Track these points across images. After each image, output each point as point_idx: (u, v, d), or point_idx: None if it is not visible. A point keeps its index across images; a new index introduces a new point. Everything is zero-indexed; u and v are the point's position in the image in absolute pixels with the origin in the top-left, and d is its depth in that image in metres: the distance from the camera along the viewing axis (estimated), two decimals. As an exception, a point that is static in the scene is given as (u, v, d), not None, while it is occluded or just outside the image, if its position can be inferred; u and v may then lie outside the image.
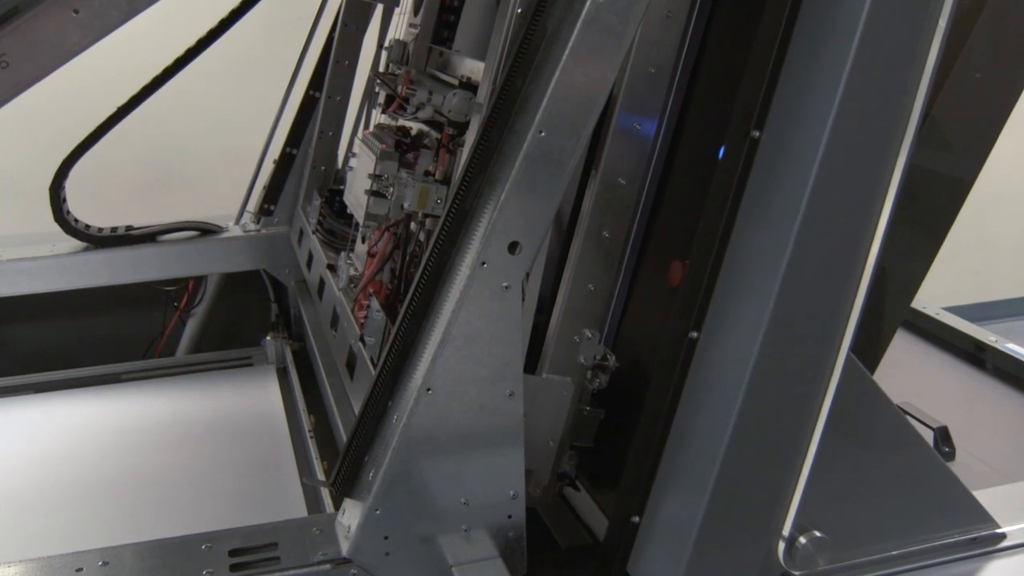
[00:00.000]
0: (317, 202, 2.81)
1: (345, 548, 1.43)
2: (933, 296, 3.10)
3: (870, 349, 2.06)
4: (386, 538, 1.42)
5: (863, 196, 1.39)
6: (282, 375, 2.91)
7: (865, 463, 1.64)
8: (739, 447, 1.42)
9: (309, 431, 2.41)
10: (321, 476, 2.18)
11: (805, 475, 1.47)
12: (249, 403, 2.74)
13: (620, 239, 1.72)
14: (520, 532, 1.51)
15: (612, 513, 1.58)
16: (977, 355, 3.11)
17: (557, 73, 1.33)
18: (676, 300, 1.50)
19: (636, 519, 1.53)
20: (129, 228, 2.90)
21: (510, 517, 1.50)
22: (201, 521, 1.97)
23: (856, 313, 1.42)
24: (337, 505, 1.55)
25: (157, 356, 3.16)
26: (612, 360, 1.70)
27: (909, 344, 3.24)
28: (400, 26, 2.56)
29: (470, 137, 1.79)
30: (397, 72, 2.28)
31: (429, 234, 1.95)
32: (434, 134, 2.06)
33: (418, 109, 1.96)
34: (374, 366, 1.84)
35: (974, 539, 1.74)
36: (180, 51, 2.68)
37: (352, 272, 2.27)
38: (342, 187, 2.90)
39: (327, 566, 1.43)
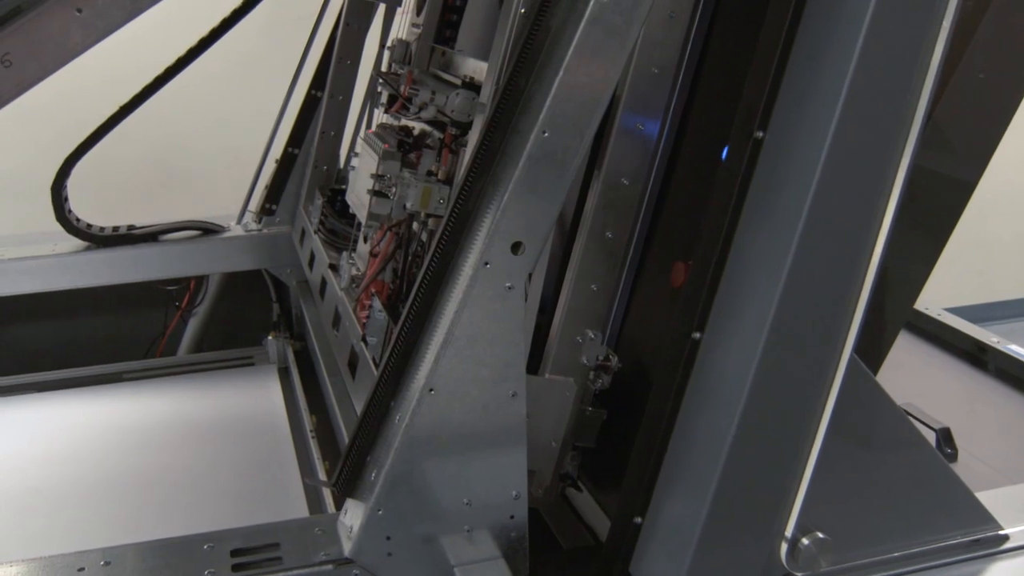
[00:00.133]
0: (319, 202, 2.81)
1: (347, 548, 1.43)
2: (935, 297, 3.10)
3: (873, 350, 2.06)
4: (388, 538, 1.42)
5: (866, 197, 1.39)
6: (284, 375, 2.91)
7: (868, 464, 1.64)
8: (742, 448, 1.42)
9: (311, 431, 2.41)
10: (323, 476, 2.18)
11: (808, 476, 1.47)
12: (250, 403, 2.73)
13: (623, 239, 1.72)
14: (522, 532, 1.51)
15: (614, 514, 1.58)
16: (979, 356, 3.11)
17: (560, 73, 1.33)
18: (679, 301, 1.50)
19: (638, 520, 1.53)
20: (131, 227, 2.90)
21: (512, 517, 1.49)
22: (202, 521, 1.97)
23: (859, 314, 1.42)
24: (339, 505, 1.55)
25: (158, 356, 3.16)
26: (615, 361, 1.70)
27: (911, 345, 3.24)
28: (402, 26, 2.56)
29: (473, 137, 1.79)
30: (400, 72, 2.28)
31: (431, 234, 1.95)
32: (436, 134, 2.06)
33: (421, 109, 1.96)
34: (376, 366, 1.84)
35: (976, 540, 1.74)
36: (182, 51, 2.68)
37: (354, 272, 2.27)
38: (344, 187, 2.90)
39: (329, 566, 1.43)
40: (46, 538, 2.05)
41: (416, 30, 2.27)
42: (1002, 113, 1.97)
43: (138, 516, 2.14)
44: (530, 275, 1.43)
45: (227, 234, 3.06)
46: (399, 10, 2.66)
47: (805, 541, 1.50)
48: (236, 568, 1.41)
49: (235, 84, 4.11)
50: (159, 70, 2.67)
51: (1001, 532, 1.76)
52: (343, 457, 1.46)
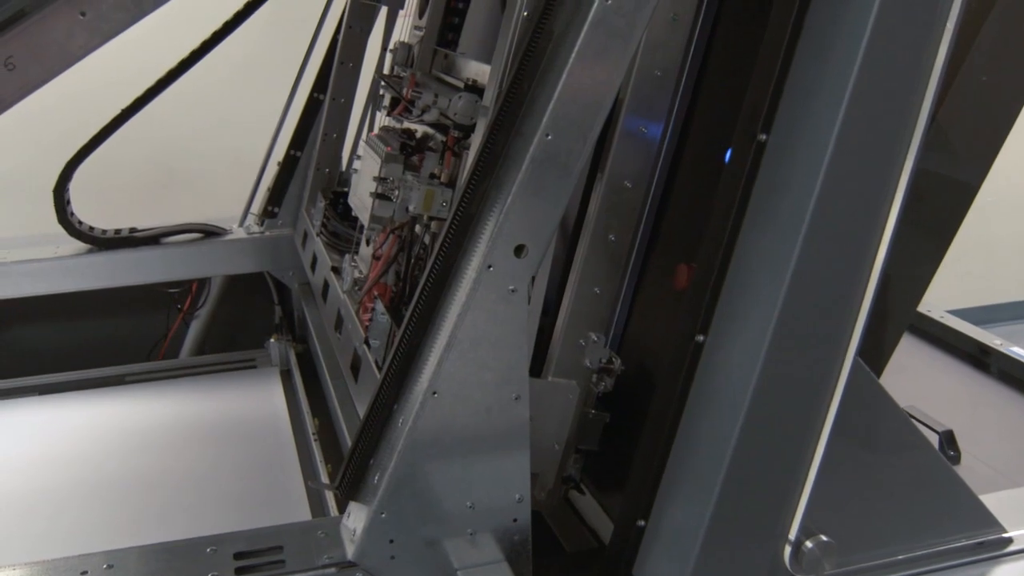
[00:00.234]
0: (321, 204, 2.81)
1: (350, 552, 1.43)
2: (937, 299, 3.10)
3: (876, 353, 2.06)
4: (391, 542, 1.42)
5: (870, 200, 1.39)
6: (286, 378, 2.91)
7: (871, 467, 1.63)
8: (745, 451, 1.42)
9: (313, 434, 2.41)
10: (325, 479, 2.18)
11: (811, 479, 1.47)
12: (253, 406, 2.74)
13: (626, 242, 1.72)
14: (526, 536, 1.50)
15: (617, 517, 1.58)
16: (981, 358, 3.11)
17: (564, 76, 1.33)
18: (682, 303, 1.50)
19: (642, 523, 1.53)
20: (133, 230, 2.90)
21: (515, 521, 1.49)
22: (204, 524, 1.97)
23: (863, 316, 1.42)
24: (342, 508, 1.55)
25: (160, 358, 3.16)
26: (618, 363, 1.69)
27: (913, 347, 3.24)
28: (404, 28, 2.56)
29: (476, 140, 1.79)
30: (402, 74, 2.28)
31: (434, 237, 1.95)
32: (439, 137, 2.06)
33: (423, 112, 1.96)
34: (379, 369, 1.84)
35: (980, 543, 1.73)
36: (184, 54, 2.69)
37: (356, 275, 2.27)
38: (346, 189, 2.90)
39: (332, 570, 1.43)
40: (49, 541, 2.05)
41: (418, 33, 2.27)
42: (1005, 115, 1.97)
43: (140, 519, 2.14)
44: (533, 278, 1.43)
45: (229, 236, 3.06)
46: (401, 13, 2.66)
47: (809, 544, 1.50)
48: (239, 571, 1.41)
49: (237, 87, 4.11)
50: (161, 73, 2.67)
51: (1005, 535, 1.75)
52: (346, 460, 1.46)
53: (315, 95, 3.08)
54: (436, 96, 1.94)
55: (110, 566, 1.39)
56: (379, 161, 2.00)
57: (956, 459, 2.44)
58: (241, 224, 3.15)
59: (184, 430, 2.56)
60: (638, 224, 1.73)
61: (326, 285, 2.52)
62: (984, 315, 3.66)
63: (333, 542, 1.47)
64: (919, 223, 1.99)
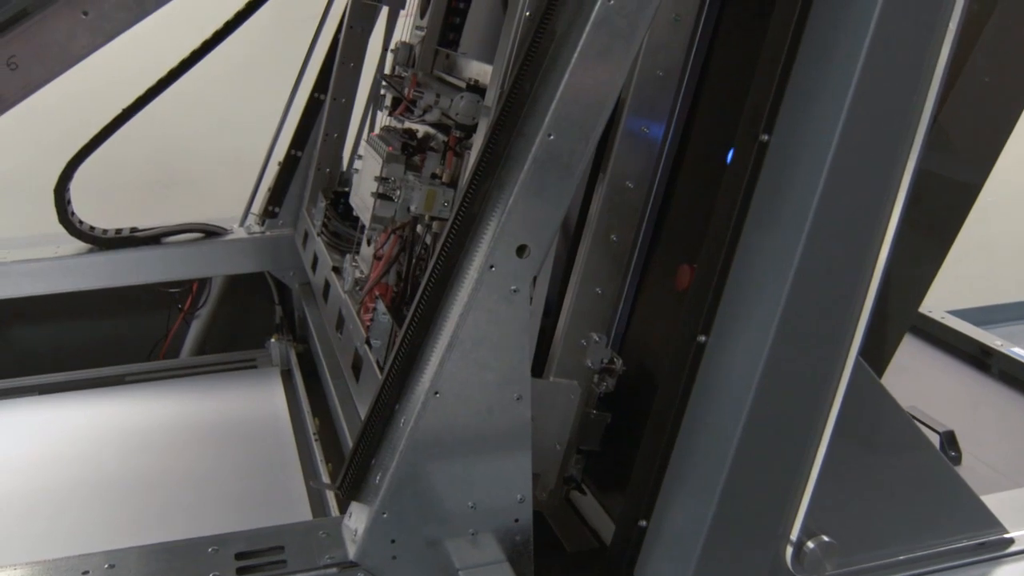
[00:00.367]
0: (322, 204, 2.81)
1: (352, 552, 1.43)
2: (938, 300, 3.10)
3: (878, 353, 2.06)
4: (393, 542, 1.42)
5: (872, 200, 1.39)
6: (286, 378, 2.91)
7: (873, 467, 1.63)
8: (747, 451, 1.42)
9: (314, 434, 2.41)
10: (326, 479, 2.18)
11: (813, 479, 1.47)
12: (253, 406, 2.73)
13: (628, 243, 1.72)
14: (527, 536, 1.50)
15: (619, 517, 1.58)
16: (982, 359, 3.11)
17: (566, 76, 1.33)
18: (684, 304, 1.50)
19: (643, 523, 1.53)
20: (133, 230, 2.90)
21: (517, 521, 1.49)
22: (205, 524, 1.97)
23: (865, 317, 1.42)
24: (343, 508, 1.55)
25: (161, 358, 3.16)
26: (619, 364, 1.69)
27: (914, 348, 3.23)
28: (405, 28, 2.56)
29: (478, 140, 1.79)
30: (404, 74, 2.28)
31: (435, 237, 1.95)
32: (441, 137, 2.06)
33: (425, 112, 1.96)
34: (380, 369, 1.84)
35: (982, 544, 1.73)
36: (185, 53, 2.69)
37: (357, 275, 2.27)
38: (347, 189, 2.90)
39: (334, 570, 1.43)
40: (49, 541, 2.04)
41: (420, 33, 2.27)
42: (1007, 116, 1.97)
43: (141, 519, 2.13)
44: (535, 278, 1.43)
45: (230, 236, 3.06)
46: (402, 13, 2.66)
47: (810, 545, 1.50)
48: (240, 571, 1.41)
49: (238, 87, 4.11)
50: (162, 72, 2.67)
51: (1006, 535, 1.75)
52: (347, 460, 1.46)
53: (316, 95, 3.08)
54: (438, 96, 1.94)
55: (111, 566, 1.39)
56: (381, 161, 2.00)
57: (957, 460, 2.44)
58: (242, 224, 3.15)
59: (185, 430, 2.56)
60: (640, 224, 1.73)
61: (327, 285, 2.52)
62: (985, 316, 3.65)
63: (334, 542, 1.47)
64: (921, 224, 1.99)
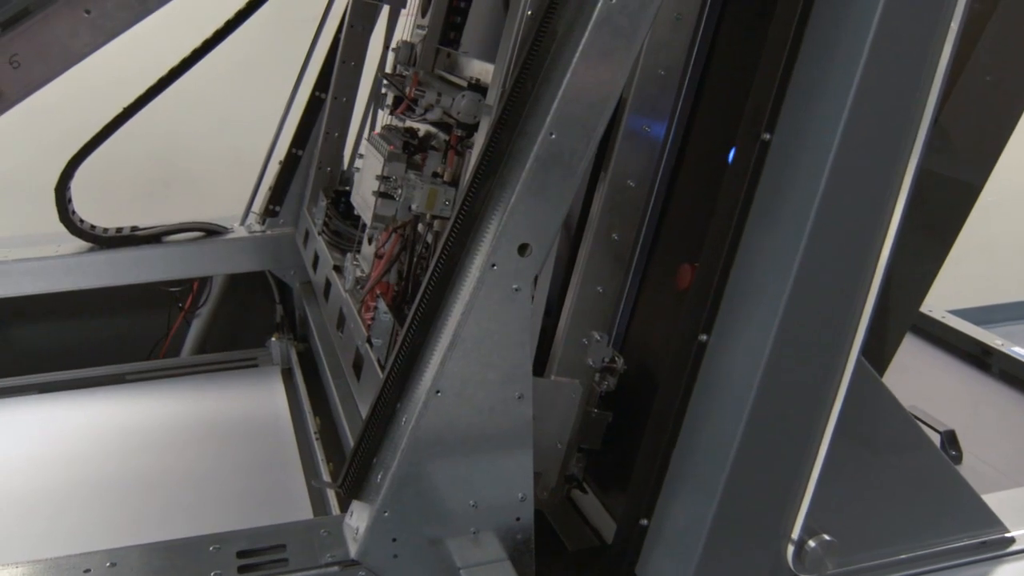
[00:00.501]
0: (323, 203, 2.81)
1: (353, 550, 1.43)
2: (939, 299, 3.10)
3: (879, 352, 2.06)
4: (394, 540, 1.42)
5: (874, 199, 1.39)
6: (287, 376, 2.91)
7: (874, 466, 1.63)
8: (748, 450, 1.42)
9: (315, 433, 2.41)
10: (327, 478, 2.18)
11: (814, 478, 1.47)
12: (254, 404, 2.73)
13: (629, 241, 1.72)
14: (528, 534, 1.50)
15: (621, 516, 1.58)
16: (983, 359, 3.11)
17: (568, 75, 1.33)
18: (686, 303, 1.50)
19: (645, 522, 1.53)
20: (134, 229, 2.90)
21: (518, 519, 1.49)
22: (205, 523, 1.97)
23: (866, 316, 1.42)
24: (343, 507, 1.55)
25: (162, 357, 3.16)
26: (620, 363, 1.70)
27: (915, 347, 3.24)
28: (406, 27, 2.56)
29: (479, 139, 1.79)
30: (405, 73, 2.28)
31: (437, 236, 1.95)
32: (442, 136, 2.06)
33: (427, 110, 1.96)
34: (381, 368, 1.84)
35: (983, 543, 1.74)
36: (186, 52, 2.69)
37: (358, 273, 2.27)
38: (348, 188, 2.90)
39: (335, 568, 1.43)
40: (50, 540, 2.05)
41: (421, 32, 2.27)
42: (1009, 115, 1.97)
43: (142, 518, 2.13)
44: (536, 277, 1.43)
45: (230, 235, 3.06)
46: (403, 12, 2.66)
47: (812, 543, 1.50)
48: (242, 569, 1.41)
49: (239, 86, 4.11)
50: (163, 71, 2.67)
51: (1007, 534, 1.75)
52: (349, 459, 1.46)
53: (317, 94, 3.08)
54: (439, 95, 1.94)
55: (113, 564, 1.39)
56: (382, 160, 2.00)
57: (958, 459, 2.44)
58: (242, 223, 3.15)
59: (185, 429, 2.56)
60: (641, 223, 1.73)
61: (328, 284, 2.52)
62: (985, 315, 3.66)
63: (336, 541, 1.47)
64: (922, 223, 2.00)
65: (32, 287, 2.78)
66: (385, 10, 2.92)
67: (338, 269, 2.46)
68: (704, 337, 1.46)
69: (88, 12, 1.35)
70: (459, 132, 1.91)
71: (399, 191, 1.93)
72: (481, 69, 1.96)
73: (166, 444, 2.47)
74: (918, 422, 1.75)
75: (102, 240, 2.82)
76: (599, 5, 1.31)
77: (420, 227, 2.01)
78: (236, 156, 3.55)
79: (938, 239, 2.04)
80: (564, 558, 1.75)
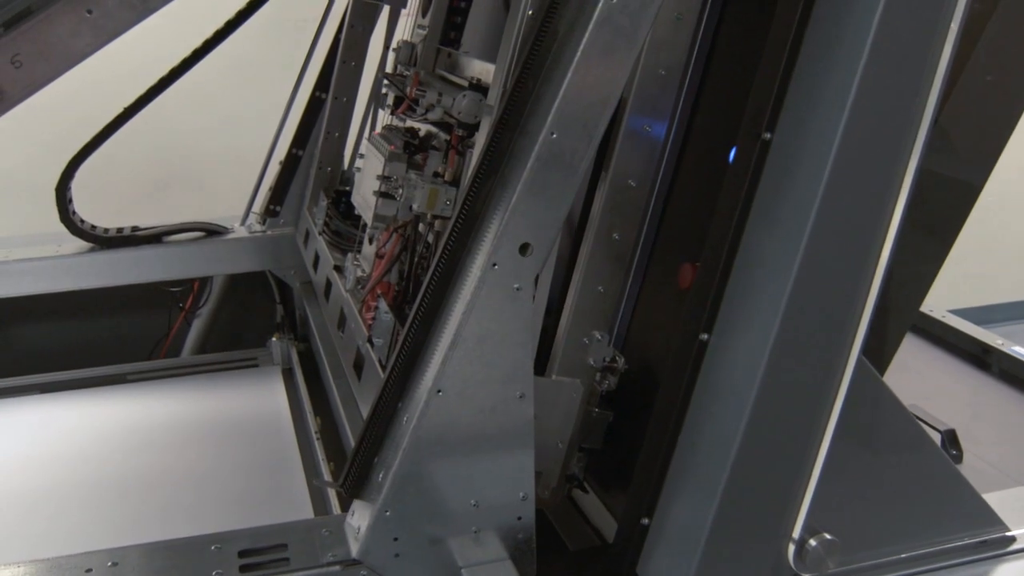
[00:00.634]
0: (323, 203, 2.81)
1: (355, 549, 1.43)
2: (939, 299, 3.10)
3: (879, 352, 2.06)
4: (396, 539, 1.42)
5: (874, 199, 1.39)
6: (287, 376, 2.91)
7: (875, 465, 1.64)
8: (749, 449, 1.42)
9: (315, 432, 2.41)
10: (328, 477, 2.18)
11: (815, 477, 1.47)
12: (255, 404, 2.73)
13: (630, 241, 1.72)
14: (530, 534, 1.51)
15: (622, 515, 1.58)
16: (983, 358, 3.11)
17: (569, 75, 1.33)
18: (686, 302, 1.50)
19: (646, 521, 1.53)
20: (135, 229, 2.90)
21: (520, 519, 1.49)
22: (206, 523, 1.97)
23: (867, 315, 1.42)
24: (344, 507, 1.55)
25: (162, 357, 3.16)
26: (621, 362, 1.70)
27: (915, 347, 3.24)
28: (407, 27, 2.56)
29: (480, 139, 1.79)
30: (406, 73, 2.28)
31: (438, 235, 1.95)
32: (443, 135, 2.06)
33: (427, 110, 1.96)
34: (382, 367, 1.84)
35: (984, 542, 1.74)
36: (187, 52, 2.69)
37: (359, 273, 2.27)
38: (348, 188, 2.90)
39: (337, 567, 1.43)
40: (51, 540, 2.05)
41: (421, 32, 2.27)
42: (1009, 115, 1.97)
43: (142, 518, 2.13)
44: (537, 276, 1.43)
45: (231, 235, 3.06)
46: (403, 12, 2.66)
47: (812, 542, 1.50)
48: (244, 569, 1.41)
49: (240, 86, 4.11)
50: (164, 71, 2.67)
51: (1008, 533, 1.76)
52: (350, 458, 1.47)
53: (317, 94, 3.08)
54: (440, 95, 1.94)
55: (115, 564, 1.39)
56: (382, 160, 2.00)
57: (958, 458, 2.44)
58: (243, 223, 3.15)
59: (186, 429, 2.56)
60: (642, 223, 1.73)
61: (328, 284, 2.52)
62: (986, 315, 3.66)
63: (337, 540, 1.47)
64: (922, 222, 2.00)
65: (33, 287, 2.78)
66: (385, 10, 2.92)
67: (339, 269, 2.46)
68: (705, 336, 1.46)
69: (90, 12, 1.36)
70: (460, 132, 1.91)
71: (400, 191, 1.93)
72: (482, 69, 1.96)
73: (167, 444, 2.47)
74: (918, 421, 1.75)
75: (103, 240, 2.82)
76: (600, 5, 1.32)
77: (421, 227, 2.01)
78: (236, 156, 3.55)
79: (938, 239, 2.04)
80: (565, 557, 1.75)
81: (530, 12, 1.55)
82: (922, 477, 1.69)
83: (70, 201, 2.73)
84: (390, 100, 2.20)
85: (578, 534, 1.80)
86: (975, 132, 1.99)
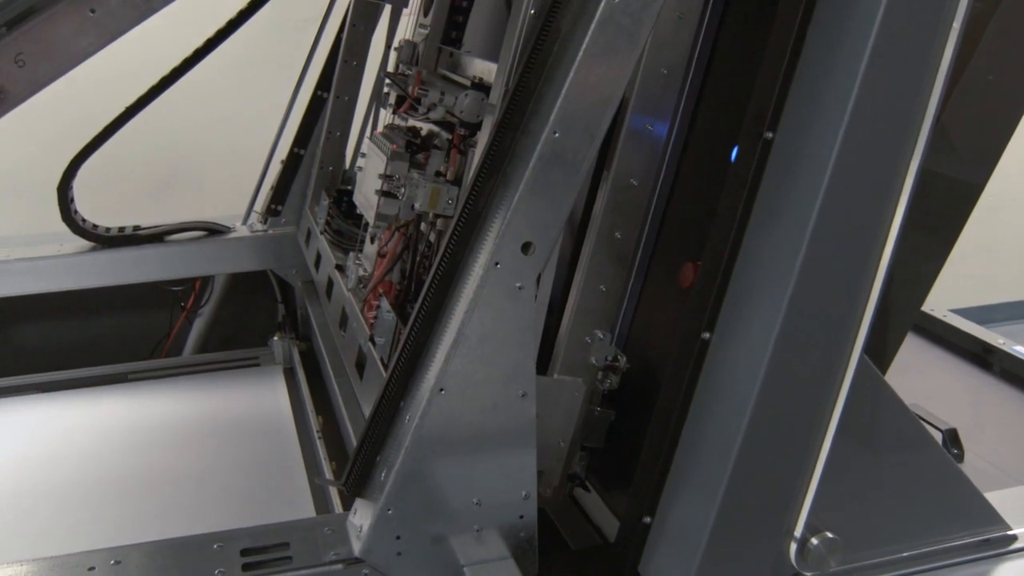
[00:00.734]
0: (325, 202, 2.81)
1: (357, 548, 1.43)
2: (940, 298, 3.10)
3: (881, 351, 2.06)
4: (398, 538, 1.42)
5: (876, 198, 1.39)
6: (289, 375, 2.91)
7: (877, 464, 1.64)
8: (751, 448, 1.42)
9: (317, 431, 2.41)
10: (329, 476, 2.18)
11: (817, 476, 1.47)
12: (256, 403, 2.73)
13: (632, 240, 1.72)
14: (532, 532, 1.51)
15: (624, 514, 1.58)
16: (984, 357, 3.11)
17: (571, 74, 1.33)
18: (688, 301, 1.50)
19: (648, 520, 1.53)
20: (136, 228, 2.91)
21: (522, 517, 1.50)
22: (207, 522, 1.97)
23: (869, 314, 1.42)
24: (346, 506, 1.55)
25: (164, 356, 3.16)
26: (623, 361, 1.70)
27: (916, 346, 3.24)
28: (409, 26, 2.56)
29: (482, 138, 1.79)
30: (407, 72, 2.29)
31: (440, 234, 1.95)
32: (444, 135, 2.06)
33: (430, 110, 1.96)
34: (384, 366, 1.84)
35: (985, 540, 1.74)
36: (188, 51, 2.69)
37: (361, 272, 2.27)
38: (350, 187, 2.91)
39: (339, 566, 1.43)
40: (52, 539, 2.05)
41: (423, 31, 2.28)
42: (1010, 115, 1.98)
43: (144, 517, 2.14)
44: (539, 275, 1.43)
45: (232, 235, 3.07)
46: (405, 11, 2.66)
47: (814, 541, 1.50)
48: (246, 567, 1.41)
49: (241, 84, 4.11)
50: (166, 70, 2.67)
51: (1010, 532, 1.76)
52: (352, 457, 1.47)
53: (319, 93, 3.09)
54: (442, 94, 1.94)
55: (117, 562, 1.39)
56: (384, 159, 2.01)
57: (959, 457, 2.44)
58: (244, 222, 3.15)
59: (187, 428, 2.56)
60: (644, 222, 1.73)
61: (330, 283, 2.52)
62: (987, 314, 3.66)
63: (340, 538, 1.47)
64: (924, 222, 2.00)
65: (34, 286, 2.78)
66: (387, 9, 2.92)
67: (341, 268, 2.47)
68: (707, 335, 1.46)
69: (93, 11, 1.36)
70: (462, 131, 1.91)
71: (402, 190, 1.93)
72: (484, 68, 1.97)
73: (168, 443, 2.47)
74: (920, 421, 1.75)
75: (104, 239, 2.83)
76: (602, 4, 1.32)
77: (423, 226, 2.02)
78: (238, 155, 3.55)
79: (940, 238, 2.04)
80: (567, 556, 1.75)
81: (532, 12, 1.55)
82: (924, 476, 1.69)
83: (72, 200, 2.73)
84: (392, 99, 2.21)
85: (580, 533, 1.81)
86: (976, 132, 1.99)
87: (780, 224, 1.40)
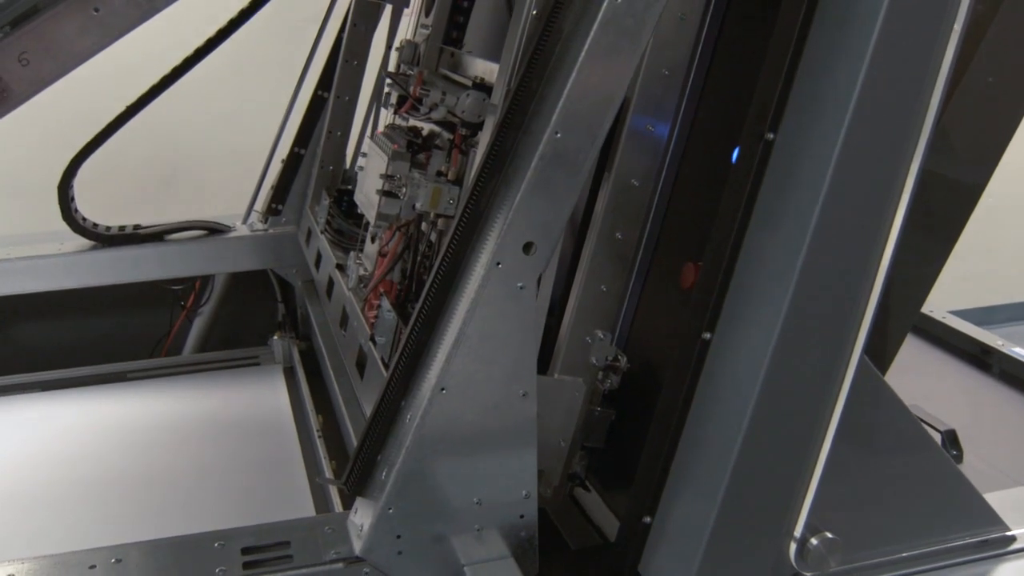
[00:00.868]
0: (325, 202, 2.81)
1: (357, 547, 1.43)
2: (940, 300, 3.11)
3: (881, 352, 2.06)
4: (399, 537, 1.43)
5: (877, 199, 1.39)
6: (289, 375, 2.91)
7: (876, 465, 1.64)
8: (751, 448, 1.42)
9: (317, 431, 2.41)
10: (329, 475, 2.18)
11: (817, 476, 1.47)
12: (256, 403, 2.74)
13: (633, 240, 1.73)
14: (532, 532, 1.51)
15: (624, 514, 1.58)
16: (983, 359, 3.12)
17: (573, 74, 1.34)
18: (689, 302, 1.50)
19: (648, 520, 1.53)
20: (137, 227, 2.91)
21: (522, 517, 1.50)
22: (207, 521, 1.96)
23: (869, 315, 1.42)
24: (347, 505, 1.55)
25: (164, 355, 3.16)
26: (624, 361, 1.70)
27: (915, 347, 3.24)
28: (409, 26, 2.57)
29: (484, 138, 1.80)
30: (409, 72, 2.29)
31: (441, 234, 1.95)
32: (446, 135, 2.06)
33: (431, 109, 1.96)
34: (385, 366, 1.84)
35: (984, 541, 1.74)
36: (189, 50, 2.69)
37: (361, 272, 2.28)
38: (350, 187, 2.91)
39: (340, 565, 1.43)
40: (52, 538, 2.05)
41: (424, 31, 2.28)
42: (1011, 116, 1.98)
43: (144, 516, 2.14)
44: (540, 275, 1.44)
45: (233, 234, 3.07)
46: (405, 11, 2.66)
47: (814, 541, 1.50)
48: (247, 566, 1.41)
49: (241, 84, 4.11)
50: (166, 69, 2.68)
51: (1008, 533, 1.76)
52: (353, 456, 1.47)
53: (319, 93, 3.09)
54: (444, 94, 1.94)
55: (118, 560, 1.40)
56: (386, 159, 2.01)
57: (958, 458, 2.44)
58: (245, 222, 3.15)
59: (187, 427, 2.56)
60: (645, 222, 1.73)
61: (331, 282, 2.53)
62: (986, 316, 3.66)
63: (340, 537, 1.47)
64: (924, 223, 2.00)
65: (35, 285, 2.78)
66: (388, 9, 2.92)
67: (341, 267, 2.47)
68: (707, 335, 1.46)
69: (97, 10, 1.36)
70: (463, 131, 1.92)
71: (403, 189, 1.94)
72: (485, 68, 1.97)
73: (168, 442, 2.47)
74: (919, 422, 1.75)
75: (104, 238, 2.83)
76: (604, 5, 1.32)
77: (424, 225, 2.02)
78: (238, 155, 3.55)
79: (940, 239, 2.05)
80: (567, 556, 1.75)
81: (534, 12, 1.55)
82: (923, 477, 1.69)
83: (72, 199, 2.73)
84: (393, 99, 2.21)
85: (580, 533, 1.81)
86: (977, 133, 1.99)
87: (781, 225, 1.40)
